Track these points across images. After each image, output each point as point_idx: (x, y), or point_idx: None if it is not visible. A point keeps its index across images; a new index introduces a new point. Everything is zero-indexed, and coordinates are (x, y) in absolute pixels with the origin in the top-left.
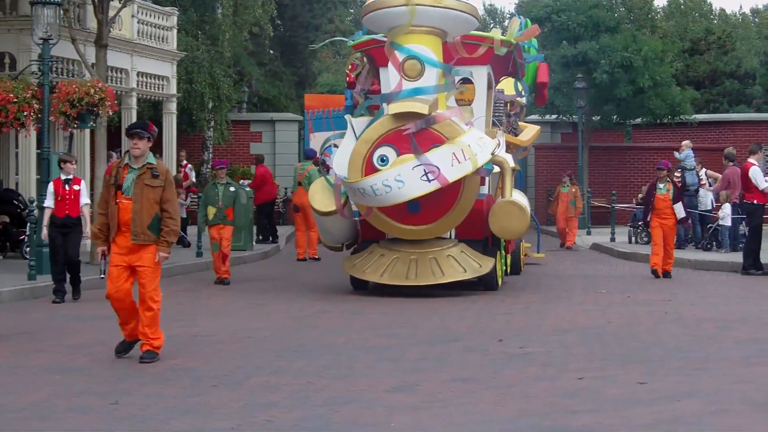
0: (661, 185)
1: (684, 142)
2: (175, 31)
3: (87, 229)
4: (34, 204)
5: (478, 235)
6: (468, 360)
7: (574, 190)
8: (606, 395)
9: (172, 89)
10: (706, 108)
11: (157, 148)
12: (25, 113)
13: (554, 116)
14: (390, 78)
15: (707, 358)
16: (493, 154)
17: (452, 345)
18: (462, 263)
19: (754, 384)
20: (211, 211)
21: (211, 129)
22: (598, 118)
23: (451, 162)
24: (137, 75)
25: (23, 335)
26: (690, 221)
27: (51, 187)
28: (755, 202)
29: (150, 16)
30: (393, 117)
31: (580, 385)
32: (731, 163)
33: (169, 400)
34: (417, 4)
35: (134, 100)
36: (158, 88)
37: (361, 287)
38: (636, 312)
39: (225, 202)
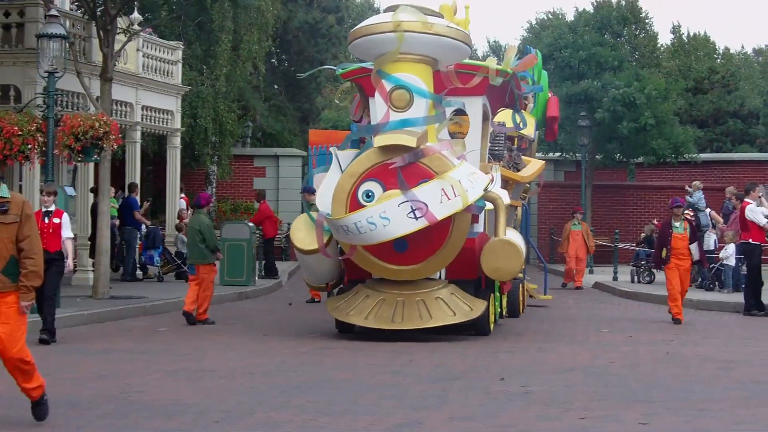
0: (676, 224)
1: (694, 183)
2: (180, 65)
3: (69, 262)
4: None
5: (470, 275)
6: (469, 398)
7: (584, 228)
8: None
9: (177, 123)
10: (710, 147)
11: (161, 182)
12: (30, 146)
13: (557, 154)
14: (377, 108)
15: (709, 399)
16: (485, 190)
17: (454, 383)
18: (451, 306)
19: (756, 425)
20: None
21: (215, 164)
22: (601, 156)
23: (440, 198)
24: (142, 109)
25: None
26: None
27: None
28: (750, 241)
29: (155, 50)
30: (379, 150)
31: (582, 425)
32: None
33: None
34: (406, 31)
35: (138, 134)
36: (163, 122)
37: (347, 330)
38: (638, 352)
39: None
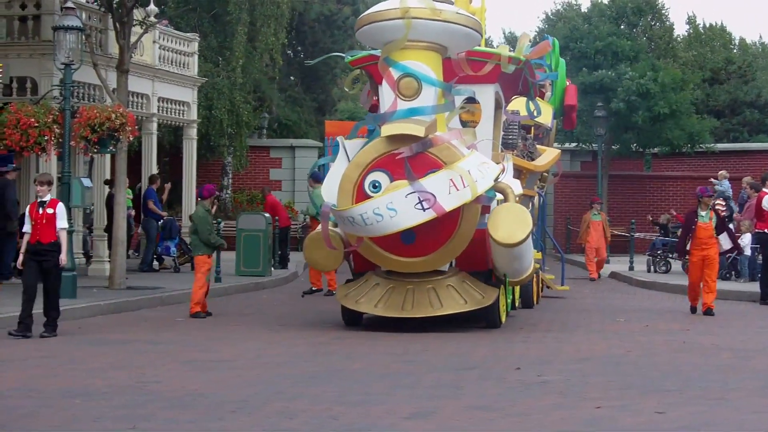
0: (702, 213)
1: (721, 173)
2: (196, 56)
3: (63, 255)
4: None
5: (481, 267)
6: (485, 388)
7: (603, 218)
8: (623, 425)
9: (193, 115)
10: (726, 137)
11: (177, 174)
12: (46, 138)
13: (574, 144)
14: (384, 97)
15: (726, 388)
16: (496, 180)
17: (469, 372)
18: (462, 294)
19: None
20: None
21: (231, 155)
22: (617, 146)
23: (449, 189)
24: (158, 100)
25: (41, 359)
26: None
27: (27, 210)
28: (766, 231)
29: (171, 41)
30: (387, 139)
31: (598, 414)
32: (756, 193)
33: (186, 425)
34: (414, 17)
35: (155, 126)
36: (179, 113)
37: (354, 323)
38: (654, 341)
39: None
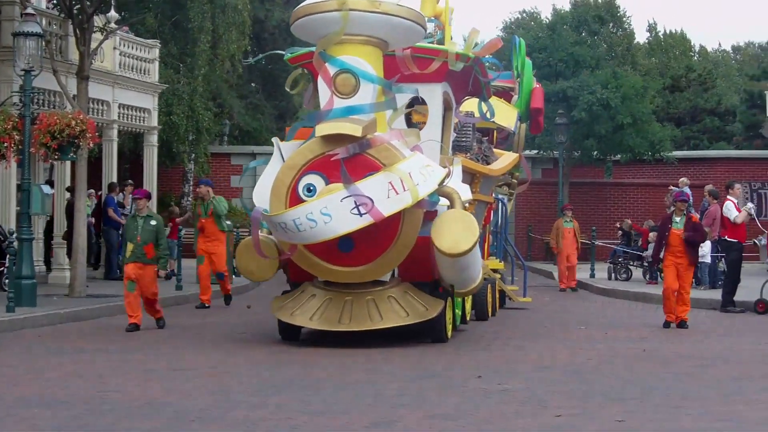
0: (677, 219)
1: (681, 180)
2: (157, 63)
3: None
4: (14, 236)
5: (425, 277)
6: (446, 396)
7: (576, 225)
8: None
9: (154, 121)
10: (687, 145)
11: (138, 180)
12: (6, 144)
13: (535, 151)
14: (320, 95)
15: (686, 396)
16: (441, 184)
17: (431, 381)
18: (405, 306)
19: (733, 423)
20: (129, 247)
21: (192, 162)
22: (579, 153)
23: (387, 193)
24: (118, 107)
25: (1, 368)
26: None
27: None
28: (726, 238)
29: (132, 48)
30: (322, 140)
31: (559, 423)
32: (715, 201)
33: None
34: (351, 9)
35: (115, 132)
36: (139, 120)
37: (292, 337)
38: (615, 349)
39: (144, 237)
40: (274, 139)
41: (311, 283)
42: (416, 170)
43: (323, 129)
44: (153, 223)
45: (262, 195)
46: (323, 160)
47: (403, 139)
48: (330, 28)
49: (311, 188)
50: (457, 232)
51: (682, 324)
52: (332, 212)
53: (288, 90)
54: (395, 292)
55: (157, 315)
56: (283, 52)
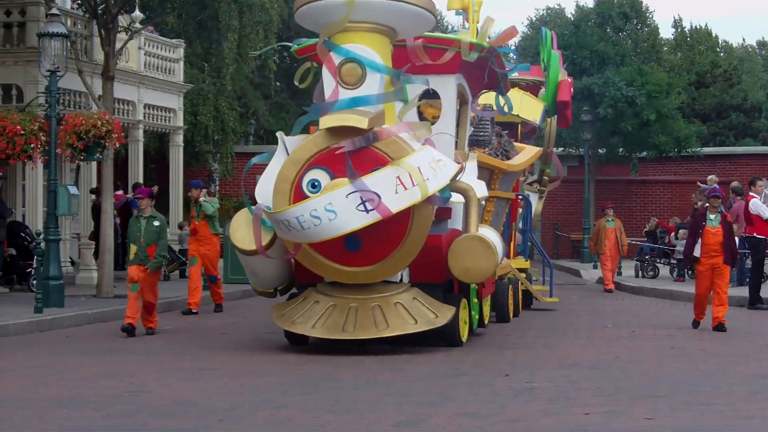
0: (711, 216)
1: (710, 177)
2: (182, 63)
3: None
4: (41, 236)
5: (438, 278)
6: (474, 394)
7: (618, 224)
8: (612, 431)
9: (179, 121)
10: (713, 141)
11: (164, 180)
12: (33, 145)
13: (560, 149)
14: (325, 85)
15: (714, 394)
16: (453, 180)
17: (458, 380)
18: (413, 312)
19: (760, 420)
20: (132, 249)
21: (217, 161)
22: (604, 150)
23: (395, 188)
24: (144, 107)
25: (29, 368)
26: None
27: None
28: (755, 235)
29: (157, 48)
30: (327, 133)
31: (587, 421)
32: (739, 197)
33: None
34: None
35: (141, 132)
36: (165, 120)
37: (300, 342)
38: (642, 347)
39: (147, 239)
40: (279, 133)
41: (314, 289)
42: (426, 164)
43: (328, 121)
44: (156, 224)
45: (265, 191)
46: (328, 155)
47: (413, 132)
48: (334, 15)
49: (316, 184)
50: (474, 261)
51: (719, 327)
52: (337, 209)
53: (297, 84)
54: (403, 297)
55: (149, 324)
56: (290, 44)
